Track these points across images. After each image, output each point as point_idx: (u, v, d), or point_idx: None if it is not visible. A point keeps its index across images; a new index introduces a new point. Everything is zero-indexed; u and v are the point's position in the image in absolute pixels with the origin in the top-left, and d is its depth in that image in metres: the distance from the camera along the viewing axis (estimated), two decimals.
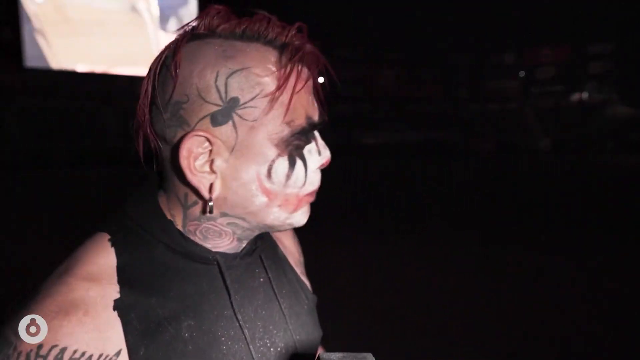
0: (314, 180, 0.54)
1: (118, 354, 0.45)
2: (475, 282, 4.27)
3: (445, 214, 7.94)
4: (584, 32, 32.97)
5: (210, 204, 0.50)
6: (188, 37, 0.50)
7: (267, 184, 0.50)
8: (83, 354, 0.43)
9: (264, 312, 0.57)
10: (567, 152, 25.61)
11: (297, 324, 0.60)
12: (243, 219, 0.52)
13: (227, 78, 0.47)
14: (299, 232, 0.71)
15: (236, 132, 0.48)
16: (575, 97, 33.55)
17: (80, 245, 0.53)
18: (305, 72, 0.51)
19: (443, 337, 3.12)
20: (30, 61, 24.59)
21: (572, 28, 33.26)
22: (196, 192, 0.50)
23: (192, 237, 0.53)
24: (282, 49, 0.49)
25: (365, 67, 33.31)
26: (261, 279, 0.59)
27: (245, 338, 0.53)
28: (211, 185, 0.49)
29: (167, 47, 0.51)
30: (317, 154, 0.54)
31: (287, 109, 0.48)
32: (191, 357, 0.49)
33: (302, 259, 0.74)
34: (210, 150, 0.49)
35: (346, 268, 4.67)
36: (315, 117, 0.52)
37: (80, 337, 0.43)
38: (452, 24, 35.54)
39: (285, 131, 0.49)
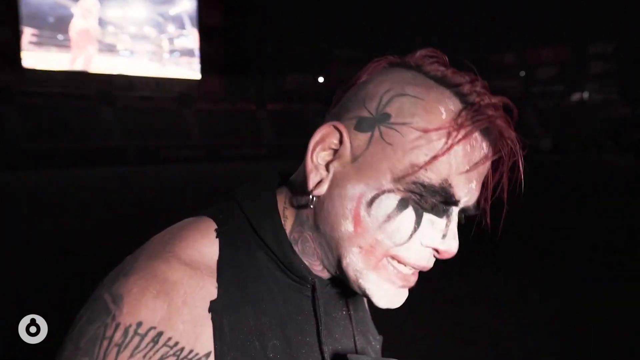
0: (417, 253, 0.46)
1: (207, 355, 0.43)
2: (474, 282, 4.26)
3: None
4: (584, 32, 32.98)
5: (312, 198, 0.46)
6: (395, 63, 0.49)
7: (363, 212, 0.45)
8: (176, 344, 0.41)
9: (339, 347, 0.53)
10: (567, 152, 25.61)
11: None
12: (328, 244, 0.48)
13: (394, 96, 0.45)
14: None
15: (368, 145, 0.45)
16: (576, 97, 33.56)
17: (184, 223, 0.50)
18: (477, 141, 0.45)
19: (442, 338, 3.11)
20: (29, 61, 24.59)
21: (573, 28, 33.27)
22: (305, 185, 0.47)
23: (295, 247, 0.50)
24: (467, 105, 0.45)
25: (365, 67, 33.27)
26: (343, 312, 0.55)
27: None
28: (320, 182, 0.46)
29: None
30: (440, 235, 0.46)
31: (430, 158, 0.43)
32: None
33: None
34: (336, 150, 0.46)
35: None
36: (459, 195, 0.45)
37: (176, 326, 0.42)
38: (452, 24, 35.54)
39: (413, 175, 0.43)
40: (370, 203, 0.44)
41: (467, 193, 0.45)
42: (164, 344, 0.41)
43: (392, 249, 0.45)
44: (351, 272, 0.47)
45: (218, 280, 0.45)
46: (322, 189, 0.46)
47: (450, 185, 0.44)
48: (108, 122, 23.79)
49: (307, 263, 0.50)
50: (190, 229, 0.48)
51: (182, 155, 23.06)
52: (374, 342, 0.60)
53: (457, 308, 3.65)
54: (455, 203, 0.45)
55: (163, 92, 27.39)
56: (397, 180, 0.44)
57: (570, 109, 32.04)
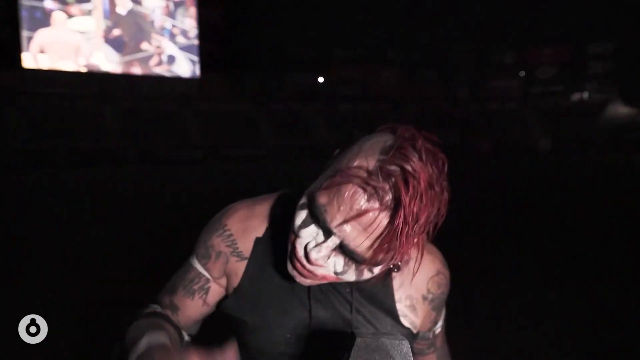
0: (300, 249, 0.66)
1: (245, 259, 0.78)
2: (473, 282, 4.26)
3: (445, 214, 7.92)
4: (585, 32, 32.98)
5: None
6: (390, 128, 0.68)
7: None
8: (235, 241, 0.79)
9: (334, 317, 0.75)
10: (567, 152, 25.61)
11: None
12: None
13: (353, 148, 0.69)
14: None
15: None
16: (576, 97, 33.54)
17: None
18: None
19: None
20: (29, 61, 24.58)
21: (573, 28, 33.26)
22: None
23: None
24: (372, 167, 0.61)
25: (365, 67, 33.32)
26: (347, 290, 0.75)
27: (310, 309, 0.74)
28: None
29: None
30: (314, 244, 0.65)
31: (323, 186, 0.64)
32: (268, 298, 0.75)
33: (428, 299, 0.80)
34: None
35: None
36: (331, 225, 0.62)
37: (239, 233, 0.79)
38: (453, 23, 35.55)
39: (311, 193, 0.66)
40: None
41: (339, 230, 0.61)
42: (229, 239, 0.79)
43: (293, 235, 0.67)
44: None
45: (266, 228, 0.79)
46: None
47: (326, 211, 0.62)
48: (108, 122, 23.79)
49: None
50: (269, 196, 0.83)
51: (182, 155, 23.04)
52: (391, 329, 0.76)
53: (456, 310, 3.65)
54: (329, 231, 0.62)
55: (163, 92, 27.36)
56: (306, 195, 0.67)
57: (571, 109, 32.03)
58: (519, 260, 5.02)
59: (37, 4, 24.93)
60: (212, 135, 25.16)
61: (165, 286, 0.84)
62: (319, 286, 0.73)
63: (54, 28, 25.54)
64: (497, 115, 32.26)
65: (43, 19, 25.15)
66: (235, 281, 0.78)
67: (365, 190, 0.59)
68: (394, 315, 0.77)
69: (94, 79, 25.85)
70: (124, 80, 27.04)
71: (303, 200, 0.65)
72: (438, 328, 0.85)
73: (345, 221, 0.60)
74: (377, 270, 0.65)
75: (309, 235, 0.64)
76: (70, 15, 26.07)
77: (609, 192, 10.61)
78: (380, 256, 0.61)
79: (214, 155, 23.41)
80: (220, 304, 0.81)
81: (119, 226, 6.81)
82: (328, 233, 0.62)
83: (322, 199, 0.61)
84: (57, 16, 25.63)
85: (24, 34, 24.40)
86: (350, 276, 0.65)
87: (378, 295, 0.76)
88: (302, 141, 26.56)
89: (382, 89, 33.21)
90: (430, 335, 0.84)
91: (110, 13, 27.43)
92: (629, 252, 5.28)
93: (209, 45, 29.70)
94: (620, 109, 30.05)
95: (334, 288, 0.74)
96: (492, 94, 34.04)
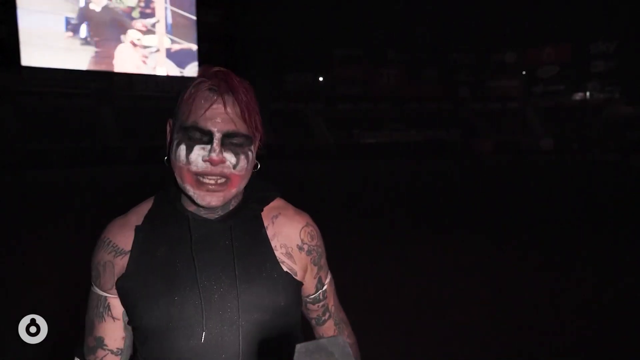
0: (199, 165, 0.78)
1: (127, 253, 0.84)
2: (474, 282, 4.26)
3: (445, 214, 7.93)
4: (586, 32, 32.93)
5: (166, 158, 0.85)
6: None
7: (172, 155, 0.81)
8: (116, 245, 0.85)
9: (218, 265, 0.81)
10: (567, 152, 25.58)
11: (246, 284, 0.81)
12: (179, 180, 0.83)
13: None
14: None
15: (175, 120, 0.84)
16: (577, 96, 33.50)
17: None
18: (207, 97, 0.79)
19: (441, 334, 3.11)
20: (27, 60, 24.58)
21: (574, 27, 33.21)
22: None
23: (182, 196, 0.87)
24: (202, 79, 0.81)
25: (365, 67, 33.29)
26: (226, 242, 0.83)
27: (195, 269, 0.80)
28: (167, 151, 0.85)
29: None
30: (208, 153, 0.77)
31: (184, 114, 0.80)
32: (157, 267, 0.81)
33: (304, 249, 0.90)
34: (171, 130, 0.85)
35: (345, 265, 4.66)
36: (207, 128, 0.78)
37: (117, 237, 0.86)
38: (453, 23, 35.50)
39: (179, 125, 0.80)
40: (171, 148, 0.83)
41: (214, 124, 0.77)
42: (110, 245, 0.86)
43: (188, 168, 0.79)
44: (185, 190, 0.81)
45: (145, 218, 0.87)
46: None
47: (197, 122, 0.77)
48: (107, 122, 23.79)
49: (185, 205, 0.86)
50: (148, 199, 0.92)
51: None
52: (269, 271, 0.84)
53: (457, 310, 3.65)
54: (209, 133, 0.77)
55: (162, 91, 27.37)
56: (174, 133, 0.82)
57: (572, 108, 31.98)
58: (519, 261, 5.02)
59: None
60: None
61: (85, 329, 0.88)
62: (201, 244, 0.82)
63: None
64: (498, 115, 32.22)
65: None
66: (122, 272, 0.83)
67: (210, 90, 0.79)
68: (272, 260, 0.85)
69: (93, 78, 25.85)
70: (124, 79, 27.05)
71: (177, 134, 0.81)
72: (325, 286, 0.95)
73: (213, 115, 0.78)
74: (253, 151, 0.83)
75: (197, 153, 0.78)
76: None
77: (610, 193, 10.60)
78: (246, 126, 0.80)
79: None
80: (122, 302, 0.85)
81: None
82: (209, 135, 0.77)
83: (191, 117, 0.78)
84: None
85: (22, 32, 24.40)
86: (242, 162, 0.80)
87: (256, 245, 0.85)
88: (302, 141, 26.57)
89: (382, 89, 33.19)
90: (320, 296, 0.94)
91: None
92: (630, 251, 5.27)
93: (209, 44, 29.70)
94: (621, 109, 30.00)
95: (215, 243, 0.82)
96: (493, 94, 33.99)
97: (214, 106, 0.78)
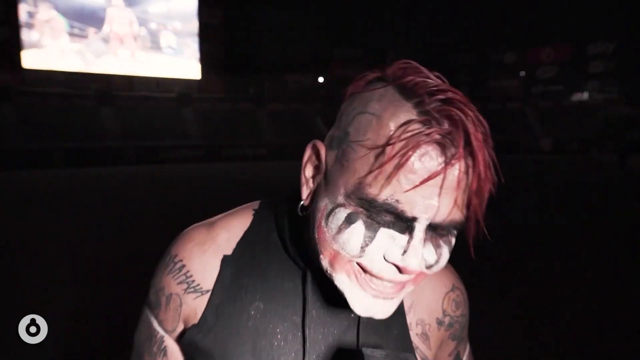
0: (380, 266, 0.47)
1: (207, 292, 0.59)
2: (473, 282, 4.27)
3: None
4: (585, 32, 32.95)
5: (301, 205, 0.54)
6: (375, 78, 0.51)
7: (323, 223, 0.49)
8: (191, 275, 0.60)
9: (334, 343, 0.57)
10: (567, 152, 25.59)
11: None
12: (313, 247, 0.52)
13: (357, 114, 0.49)
14: None
15: (335, 162, 0.49)
16: (576, 96, 33.53)
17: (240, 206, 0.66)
18: (430, 154, 0.43)
19: None
20: (28, 61, 24.57)
21: (573, 28, 33.24)
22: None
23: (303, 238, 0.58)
24: (415, 119, 0.44)
25: (365, 67, 33.22)
26: (352, 315, 0.57)
27: (304, 349, 0.56)
28: (309, 194, 0.53)
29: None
30: (401, 251, 0.46)
31: (370, 173, 0.45)
32: (246, 331, 0.56)
33: (445, 323, 0.64)
34: (317, 166, 0.53)
35: None
36: (412, 212, 0.44)
37: (195, 265, 0.60)
38: (453, 23, 35.52)
39: (359, 190, 0.45)
40: (328, 215, 0.48)
41: (425, 210, 0.44)
42: (184, 273, 0.60)
43: (355, 259, 0.47)
44: (327, 272, 0.50)
45: (238, 243, 0.60)
46: (307, 201, 0.54)
47: (397, 201, 0.44)
48: (107, 122, 23.78)
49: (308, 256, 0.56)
50: (240, 208, 0.65)
51: (182, 155, 23.04)
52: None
53: None
54: (410, 220, 0.45)
55: (163, 91, 27.36)
56: (348, 195, 0.46)
57: (571, 108, 32.01)
58: (519, 261, 5.02)
59: None
60: (212, 135, 25.16)
61: (132, 353, 0.66)
62: (315, 312, 0.57)
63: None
64: (497, 115, 32.25)
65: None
66: (195, 320, 0.58)
67: (439, 146, 0.44)
68: (407, 347, 0.59)
69: (93, 79, 25.85)
70: (124, 80, 27.05)
71: (342, 209, 0.47)
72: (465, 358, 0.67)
73: (425, 196, 0.44)
74: (453, 239, 0.51)
75: (381, 245, 0.46)
76: None
77: (610, 193, 10.61)
78: (463, 213, 0.46)
79: (214, 155, 23.41)
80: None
81: (119, 226, 6.80)
82: (408, 222, 0.45)
83: (388, 189, 0.44)
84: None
85: (23, 33, 24.41)
86: (443, 260, 0.50)
87: (387, 322, 0.58)
88: (302, 141, 26.49)
89: None
90: None
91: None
92: (630, 251, 5.27)
93: (210, 44, 29.71)
94: (620, 109, 30.03)
95: (335, 315, 0.58)
96: (492, 94, 34.02)
97: (437, 180, 0.44)
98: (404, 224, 0.45)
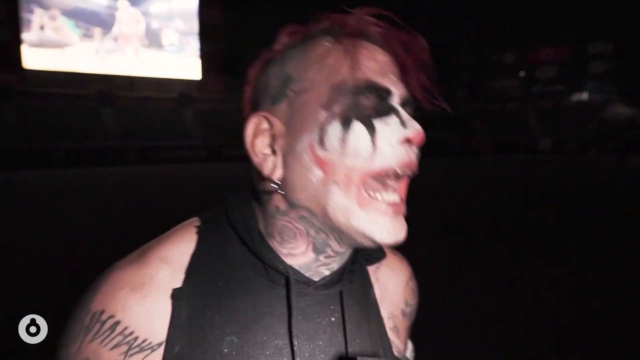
0: (394, 154, 0.45)
1: (160, 345, 0.46)
2: (472, 282, 4.26)
3: (445, 214, 7.93)
4: (585, 32, 32.96)
5: (276, 183, 0.47)
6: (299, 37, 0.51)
7: (320, 152, 0.45)
8: (131, 333, 0.45)
9: (322, 356, 0.49)
10: (567, 152, 25.60)
11: None
12: (309, 209, 0.47)
13: (289, 60, 0.49)
14: None
15: (290, 106, 0.47)
16: (576, 97, 33.55)
17: (178, 225, 0.53)
18: (368, 46, 0.47)
19: (442, 336, 3.11)
20: (29, 61, 24.57)
21: (573, 28, 33.26)
22: (264, 179, 0.49)
23: (270, 240, 0.49)
24: (340, 31, 0.48)
25: None
26: (332, 318, 0.51)
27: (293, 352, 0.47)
28: (274, 167, 0.47)
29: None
30: (400, 127, 0.46)
31: (342, 69, 0.45)
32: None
33: (407, 313, 0.61)
34: (272, 132, 0.48)
35: None
36: (383, 83, 0.46)
37: (135, 317, 0.45)
38: (452, 23, 35.54)
39: (337, 92, 0.45)
40: (321, 141, 0.45)
41: (392, 83, 0.46)
42: (120, 332, 0.45)
43: (367, 166, 0.45)
44: (340, 217, 0.45)
45: (187, 272, 0.48)
46: (279, 171, 0.47)
47: (370, 79, 0.45)
48: (108, 122, 23.78)
49: (285, 251, 0.49)
50: (175, 230, 0.52)
51: (182, 155, 23.04)
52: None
53: (458, 311, 3.65)
54: (388, 92, 0.46)
55: (163, 92, 27.37)
56: (328, 107, 0.45)
57: (571, 109, 32.04)
58: (519, 261, 5.02)
59: None
60: (212, 136, 25.16)
61: None
62: (300, 326, 0.49)
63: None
64: (497, 115, 32.25)
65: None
66: None
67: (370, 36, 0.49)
68: (386, 344, 0.55)
69: (94, 79, 25.86)
70: (124, 80, 27.06)
71: (331, 122, 0.45)
72: (408, 352, 0.62)
73: (384, 74, 0.47)
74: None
75: (383, 131, 0.46)
76: None
77: (609, 193, 10.61)
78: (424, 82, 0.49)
79: (214, 156, 23.41)
80: None
81: (119, 226, 6.80)
82: (388, 99, 0.47)
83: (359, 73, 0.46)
84: None
85: (24, 33, 24.42)
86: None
87: (367, 319, 0.54)
88: None
89: None
90: None
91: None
92: (630, 251, 5.27)
93: (210, 44, 29.71)
94: (620, 109, 30.04)
95: (317, 324, 0.51)
96: (492, 94, 34.04)
97: (385, 61, 0.48)
98: (385, 103, 0.46)
